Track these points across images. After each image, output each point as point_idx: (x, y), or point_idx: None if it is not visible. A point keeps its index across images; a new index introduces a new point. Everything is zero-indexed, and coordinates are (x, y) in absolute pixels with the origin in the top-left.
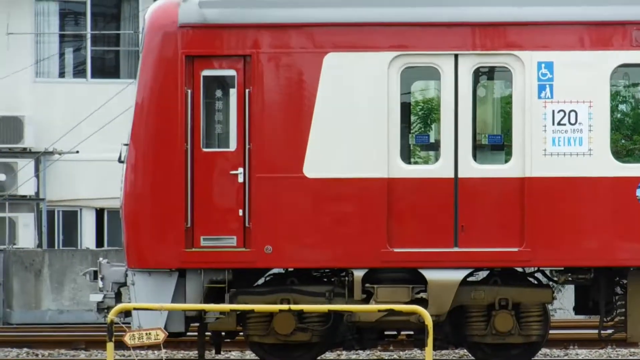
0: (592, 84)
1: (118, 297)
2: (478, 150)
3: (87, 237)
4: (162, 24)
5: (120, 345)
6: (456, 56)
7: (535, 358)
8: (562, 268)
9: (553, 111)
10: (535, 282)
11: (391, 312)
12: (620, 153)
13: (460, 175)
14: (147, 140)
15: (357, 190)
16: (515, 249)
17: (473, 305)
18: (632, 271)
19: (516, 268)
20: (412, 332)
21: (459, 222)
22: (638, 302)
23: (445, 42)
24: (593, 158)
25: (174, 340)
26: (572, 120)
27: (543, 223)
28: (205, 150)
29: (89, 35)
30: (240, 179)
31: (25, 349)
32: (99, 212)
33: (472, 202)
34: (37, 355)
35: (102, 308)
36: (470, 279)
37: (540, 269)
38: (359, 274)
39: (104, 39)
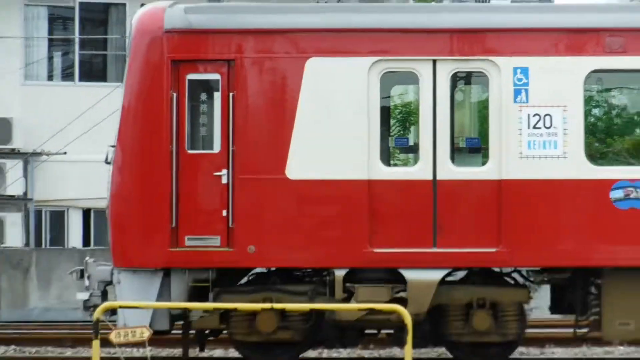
0: (566, 89)
1: (104, 296)
2: (456, 153)
3: (74, 236)
4: (149, 29)
5: (106, 342)
6: (434, 61)
7: (512, 356)
8: (539, 268)
9: (528, 115)
10: (512, 282)
11: (371, 311)
12: (595, 156)
13: (438, 177)
14: (134, 142)
15: (339, 192)
16: (493, 250)
17: (451, 304)
18: (606, 271)
19: (493, 268)
20: (392, 331)
21: (437, 223)
22: (612, 301)
23: (423, 48)
24: (568, 161)
25: (159, 338)
26: (547, 124)
27: (519, 224)
28: (190, 152)
29: (77, 40)
30: (224, 180)
31: (12, 346)
32: (86, 212)
33: (450, 204)
34: (24, 352)
35: (88, 306)
36: (448, 278)
37: (517, 269)
38: (340, 273)
39: (91, 43)
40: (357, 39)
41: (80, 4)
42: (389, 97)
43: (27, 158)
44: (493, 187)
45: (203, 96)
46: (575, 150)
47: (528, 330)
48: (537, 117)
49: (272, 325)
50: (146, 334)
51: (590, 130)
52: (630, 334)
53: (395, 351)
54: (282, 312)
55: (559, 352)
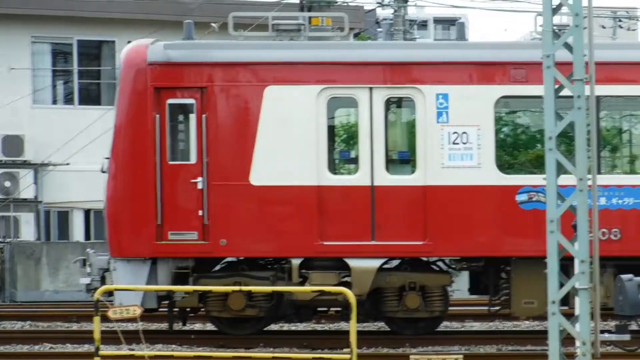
0: (479, 112)
1: (103, 280)
2: (389, 163)
3: (77, 232)
4: (135, 62)
5: (105, 319)
6: (371, 89)
7: (438, 329)
8: (458, 257)
9: (449, 133)
10: (437, 269)
11: (322, 292)
12: (504, 166)
13: (375, 183)
14: (124, 155)
15: (294, 195)
16: (420, 243)
17: (388, 287)
18: (514, 260)
19: (421, 257)
20: (339, 309)
21: (375, 220)
22: (519, 284)
23: (362, 78)
24: (481, 170)
25: (148, 315)
26: (464, 140)
27: (442, 222)
28: (171, 163)
29: (75, 71)
30: (200, 186)
31: (28, 322)
32: (87, 212)
33: (385, 205)
34: (37, 326)
35: (90, 289)
36: (385, 266)
37: (441, 258)
38: (296, 262)
39: (88, 74)
40: (307, 71)
41: (78, 41)
42: (334, 117)
43: (37, 168)
44: (420, 191)
45: (181, 117)
46: (488, 161)
47: (451, 308)
48: (456, 135)
49: (241, 304)
50: (138, 311)
51: (500, 145)
52: (534, 311)
53: (343, 325)
54: (249, 294)
55: (476, 325)
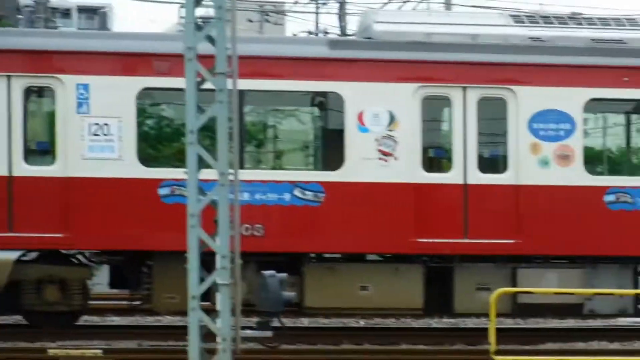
0: (121, 103)
1: None
2: (29, 154)
3: None
4: None
5: None
6: (9, 77)
7: (78, 323)
8: (99, 251)
9: (89, 124)
10: (78, 262)
11: None
12: (146, 159)
13: (14, 174)
14: None
15: None
16: (60, 235)
17: (27, 280)
18: (156, 254)
19: (61, 250)
20: None
21: (13, 211)
22: (161, 279)
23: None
24: (123, 163)
25: None
26: (106, 132)
27: (82, 214)
28: None
29: None
30: None
31: None
32: None
33: (24, 195)
34: None
35: None
36: (24, 258)
37: (81, 251)
38: None
39: None
40: None
41: None
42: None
43: None
44: (60, 182)
45: None
46: (129, 154)
47: (91, 302)
48: (97, 126)
49: None
50: None
51: (143, 138)
52: (176, 306)
53: None
54: None
55: (117, 320)
